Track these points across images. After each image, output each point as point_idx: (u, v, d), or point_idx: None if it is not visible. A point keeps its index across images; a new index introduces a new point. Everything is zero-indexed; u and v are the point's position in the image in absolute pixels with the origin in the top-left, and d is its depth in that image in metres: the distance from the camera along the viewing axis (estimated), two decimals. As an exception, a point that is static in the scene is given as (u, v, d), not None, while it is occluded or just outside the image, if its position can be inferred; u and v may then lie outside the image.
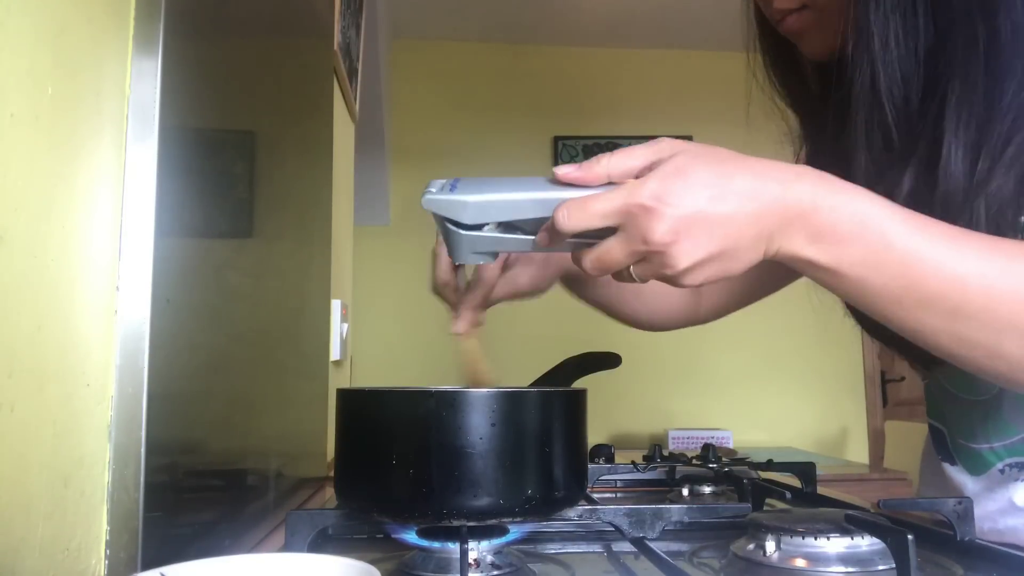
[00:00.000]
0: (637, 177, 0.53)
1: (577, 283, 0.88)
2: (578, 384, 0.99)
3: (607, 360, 1.07)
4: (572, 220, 0.53)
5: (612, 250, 0.53)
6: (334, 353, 1.32)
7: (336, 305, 1.35)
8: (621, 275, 0.56)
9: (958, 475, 0.76)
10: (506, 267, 0.78)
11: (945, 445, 0.79)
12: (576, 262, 0.57)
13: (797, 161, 0.85)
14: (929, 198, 0.61)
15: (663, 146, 0.53)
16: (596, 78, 3.54)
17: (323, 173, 1.25)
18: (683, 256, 0.51)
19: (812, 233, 0.52)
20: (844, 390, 3.47)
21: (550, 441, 0.59)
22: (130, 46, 0.54)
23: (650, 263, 0.53)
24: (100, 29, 0.51)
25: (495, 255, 0.60)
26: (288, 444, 0.94)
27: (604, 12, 3.25)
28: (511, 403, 0.58)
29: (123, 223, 0.53)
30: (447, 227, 0.56)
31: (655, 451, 1.04)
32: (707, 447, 1.05)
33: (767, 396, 3.41)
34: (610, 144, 3.45)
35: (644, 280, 0.55)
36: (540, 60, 3.53)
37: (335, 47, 1.46)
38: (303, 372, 1.05)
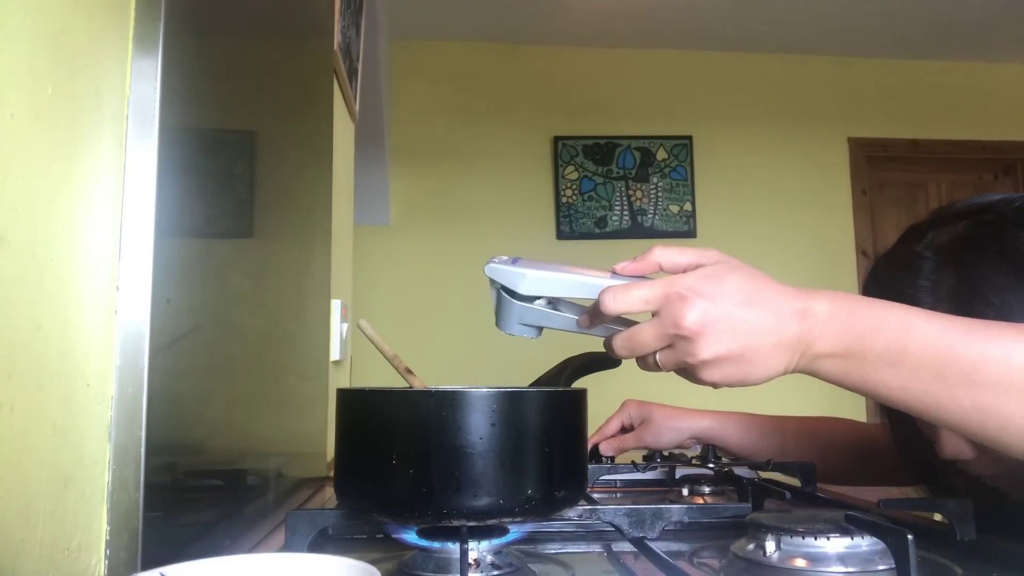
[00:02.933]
0: (684, 271, 0.59)
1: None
2: (578, 384, 0.99)
3: (607, 360, 1.07)
4: (616, 302, 0.58)
5: (643, 331, 0.59)
6: (334, 353, 1.32)
7: (336, 305, 1.35)
8: (646, 362, 0.61)
9: None
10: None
11: None
12: (607, 347, 0.62)
13: None
14: None
15: (711, 253, 0.60)
16: (596, 78, 3.53)
17: (323, 173, 1.25)
18: (706, 347, 0.56)
19: (832, 335, 0.56)
20: (844, 391, 3.47)
21: (550, 441, 0.59)
22: (130, 46, 0.54)
23: (675, 350, 0.58)
24: (100, 29, 0.51)
25: (539, 331, 0.65)
26: (288, 444, 0.94)
27: (604, 12, 3.25)
28: (511, 403, 0.58)
29: (123, 223, 0.53)
30: (502, 295, 0.63)
31: (655, 451, 1.04)
32: (707, 447, 1.05)
33: (767, 396, 3.40)
34: (610, 144, 3.45)
35: (666, 369, 0.60)
36: (540, 60, 3.53)
37: (335, 47, 1.46)
38: (303, 372, 1.05)
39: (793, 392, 3.44)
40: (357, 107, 1.83)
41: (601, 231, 3.37)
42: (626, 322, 0.62)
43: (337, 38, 1.49)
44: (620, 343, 0.61)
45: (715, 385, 0.59)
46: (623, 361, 1.08)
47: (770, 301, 0.57)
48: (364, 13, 1.99)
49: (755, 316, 0.56)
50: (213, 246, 0.69)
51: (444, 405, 0.57)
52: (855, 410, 3.50)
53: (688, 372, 0.59)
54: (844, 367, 0.57)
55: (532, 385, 0.95)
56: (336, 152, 1.38)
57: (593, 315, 0.62)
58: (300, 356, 1.02)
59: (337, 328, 1.35)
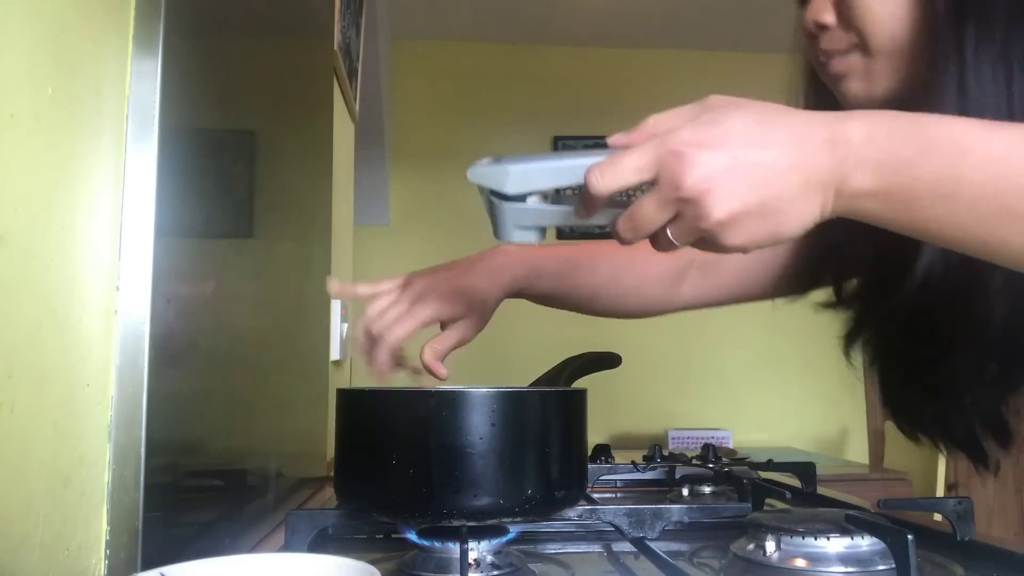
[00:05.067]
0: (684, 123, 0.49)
1: (539, 291, 0.87)
2: (578, 384, 0.99)
3: (607, 360, 1.07)
4: (605, 179, 0.49)
5: (643, 205, 0.49)
6: (334, 353, 1.32)
7: (336, 305, 1.35)
8: (659, 241, 0.51)
9: None
10: (443, 325, 0.80)
11: None
12: (614, 233, 0.53)
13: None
14: None
15: (711, 101, 0.50)
16: (596, 78, 3.53)
17: (323, 173, 1.25)
18: (718, 205, 0.46)
19: (873, 165, 0.46)
20: (844, 390, 3.46)
21: (550, 441, 0.59)
22: (130, 46, 0.54)
23: (685, 219, 0.48)
24: (100, 29, 0.51)
25: (541, 232, 0.58)
26: (288, 444, 0.94)
27: (604, 12, 3.25)
28: (511, 403, 0.58)
29: (123, 223, 0.53)
30: (492, 200, 0.56)
31: (655, 451, 1.04)
32: (707, 447, 1.05)
33: (767, 396, 3.41)
34: (610, 144, 3.45)
35: (682, 243, 0.50)
36: (540, 60, 3.53)
37: (335, 47, 1.46)
38: (303, 372, 1.05)
39: (795, 394, 3.45)
40: (357, 107, 1.83)
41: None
42: (630, 201, 0.52)
43: (337, 38, 1.49)
44: (623, 226, 0.51)
45: (743, 249, 0.49)
46: (623, 360, 1.09)
47: (788, 134, 0.47)
48: (364, 13, 1.99)
49: (771, 155, 0.46)
50: (213, 246, 0.69)
51: (444, 405, 0.57)
52: (855, 410, 3.51)
53: (708, 242, 0.49)
54: (888, 205, 0.47)
55: (532, 385, 0.95)
56: (336, 152, 1.38)
57: (588, 200, 0.52)
58: (300, 356, 1.02)
59: (337, 328, 1.35)
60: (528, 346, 2.88)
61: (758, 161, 0.46)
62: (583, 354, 1.06)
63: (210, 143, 0.68)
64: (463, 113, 3.45)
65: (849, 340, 0.73)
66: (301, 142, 1.06)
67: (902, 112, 0.48)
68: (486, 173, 0.55)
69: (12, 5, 0.42)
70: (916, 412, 0.71)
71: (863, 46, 0.63)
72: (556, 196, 0.56)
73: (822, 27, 0.65)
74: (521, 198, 0.55)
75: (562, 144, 3.46)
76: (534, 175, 0.54)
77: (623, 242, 0.53)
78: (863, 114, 0.48)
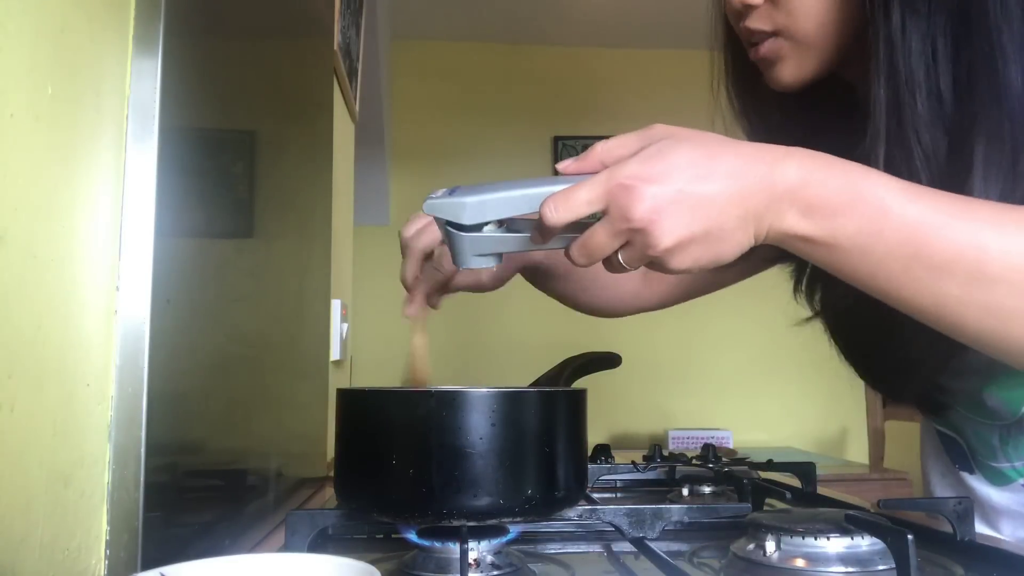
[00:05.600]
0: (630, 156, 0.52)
1: (538, 275, 0.88)
2: (578, 384, 0.99)
3: (607, 360, 1.07)
4: (559, 212, 0.52)
5: (596, 234, 0.53)
6: (334, 353, 1.32)
7: (336, 305, 1.35)
8: (612, 264, 0.55)
9: (980, 485, 0.76)
10: None
11: (964, 456, 0.78)
12: (568, 257, 0.56)
13: None
14: None
15: (655, 131, 0.53)
16: (596, 78, 3.53)
17: (323, 173, 1.25)
18: (664, 235, 0.50)
19: (803, 208, 0.50)
20: (844, 390, 3.46)
21: (550, 441, 0.59)
22: (130, 46, 0.54)
23: (634, 246, 0.52)
24: (100, 29, 0.51)
25: (498, 257, 0.60)
26: (288, 444, 0.94)
27: (604, 12, 3.25)
28: (511, 403, 0.58)
29: (123, 223, 0.53)
30: (448, 231, 0.57)
31: (655, 451, 1.04)
32: (707, 447, 1.05)
33: (767, 396, 3.41)
34: (610, 144, 3.45)
35: (633, 267, 0.54)
36: (540, 60, 3.53)
37: (335, 47, 1.46)
38: (303, 372, 1.05)
39: (795, 394, 3.45)
40: (357, 107, 1.83)
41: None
42: (582, 225, 0.54)
43: (337, 38, 1.49)
44: (576, 252, 0.54)
45: (689, 271, 0.53)
46: (623, 360, 1.09)
47: (729, 168, 0.50)
48: (364, 13, 1.99)
49: (714, 188, 0.50)
50: (213, 246, 0.69)
51: (444, 405, 0.57)
52: (855, 410, 3.51)
53: (657, 265, 0.53)
54: (811, 247, 0.52)
55: (532, 385, 0.95)
56: (336, 152, 1.38)
57: (542, 230, 0.55)
58: (300, 356, 1.02)
59: (337, 328, 1.35)
60: (528, 346, 2.88)
61: (702, 193, 0.50)
62: (583, 354, 1.06)
63: (210, 143, 0.68)
64: (463, 113, 3.45)
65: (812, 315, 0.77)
66: (301, 142, 1.06)
67: (836, 158, 0.51)
68: (442, 205, 0.57)
69: (12, 5, 0.42)
70: (871, 367, 0.76)
71: (789, 29, 0.64)
72: (511, 224, 0.58)
73: (749, 6, 0.65)
74: (477, 228, 0.57)
75: (562, 144, 3.46)
76: (489, 206, 0.56)
77: (577, 265, 0.56)
78: (801, 156, 0.51)
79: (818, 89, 0.68)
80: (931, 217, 0.49)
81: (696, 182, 0.50)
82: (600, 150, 0.54)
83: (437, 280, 0.75)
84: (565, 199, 0.52)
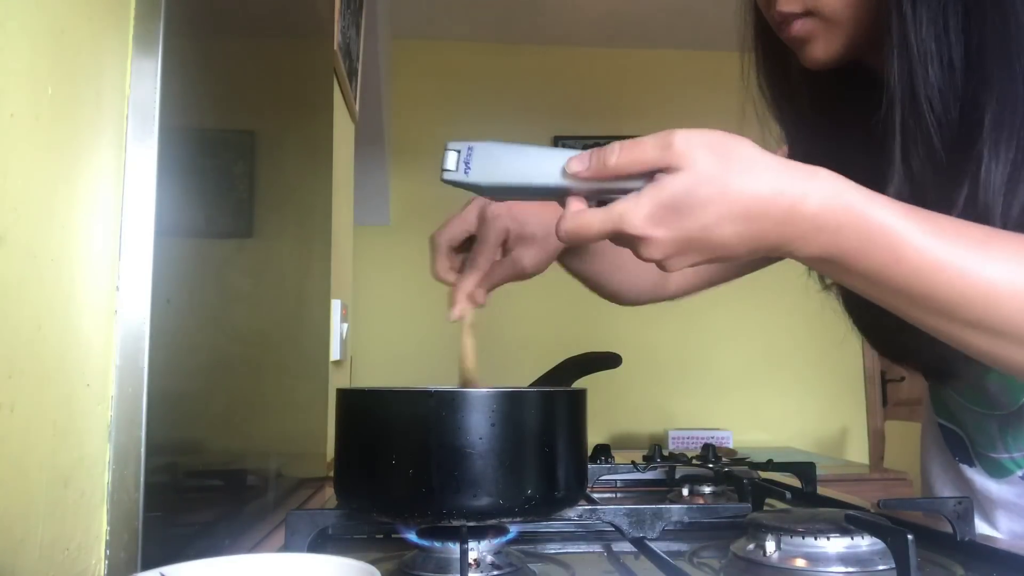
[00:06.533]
0: (646, 173, 0.53)
1: (568, 255, 0.87)
2: (578, 384, 0.99)
3: (607, 360, 1.07)
4: (569, 238, 0.55)
5: (601, 245, 0.55)
6: (334, 353, 1.32)
7: (336, 305, 1.35)
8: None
9: (979, 477, 0.77)
10: (506, 249, 0.76)
11: (964, 448, 0.79)
12: (556, 229, 0.56)
13: None
14: (972, 213, 0.59)
15: (673, 150, 0.52)
16: (596, 78, 3.53)
17: (323, 173, 1.25)
18: (671, 266, 0.53)
19: (817, 247, 0.52)
20: (844, 390, 3.47)
21: (550, 441, 0.59)
22: (130, 46, 0.54)
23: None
24: (100, 29, 0.51)
25: None
26: (288, 444, 0.94)
27: (604, 12, 3.25)
28: (511, 403, 0.58)
29: (123, 223, 0.53)
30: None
31: (655, 451, 1.04)
32: (707, 447, 1.05)
33: (767, 396, 3.41)
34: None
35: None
36: (540, 60, 3.53)
37: (335, 47, 1.46)
38: (303, 372, 1.05)
39: (795, 394, 3.45)
40: (357, 107, 1.83)
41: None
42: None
43: (337, 38, 1.49)
44: (563, 233, 0.55)
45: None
46: (623, 360, 1.09)
47: (745, 212, 0.51)
48: (364, 13, 1.99)
49: (725, 233, 0.51)
50: (213, 246, 0.69)
51: (444, 405, 0.57)
52: (855, 410, 3.52)
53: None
54: (822, 268, 0.55)
55: (532, 385, 0.95)
56: (336, 152, 1.38)
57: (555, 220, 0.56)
58: (300, 356, 1.03)
59: (337, 328, 1.35)
60: (528, 346, 2.88)
61: (712, 240, 0.52)
62: (583, 354, 1.06)
63: (210, 143, 0.68)
64: (463, 113, 3.45)
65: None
66: (301, 142, 1.06)
67: (859, 197, 0.52)
68: (459, 182, 0.58)
69: (12, 5, 0.42)
70: (882, 338, 0.77)
71: (818, 7, 0.66)
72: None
73: None
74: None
75: (562, 144, 3.46)
76: (506, 191, 0.58)
77: (560, 238, 0.56)
78: (819, 197, 0.51)
79: (846, 77, 0.71)
80: (947, 257, 0.51)
81: (707, 231, 0.51)
82: (614, 166, 0.53)
83: (475, 279, 0.73)
84: (577, 229, 0.54)
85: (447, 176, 0.58)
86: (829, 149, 0.74)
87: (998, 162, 0.57)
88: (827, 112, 0.75)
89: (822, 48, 0.68)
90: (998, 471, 0.75)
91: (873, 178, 0.65)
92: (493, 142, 0.57)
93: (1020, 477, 0.73)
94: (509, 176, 0.56)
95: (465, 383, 0.71)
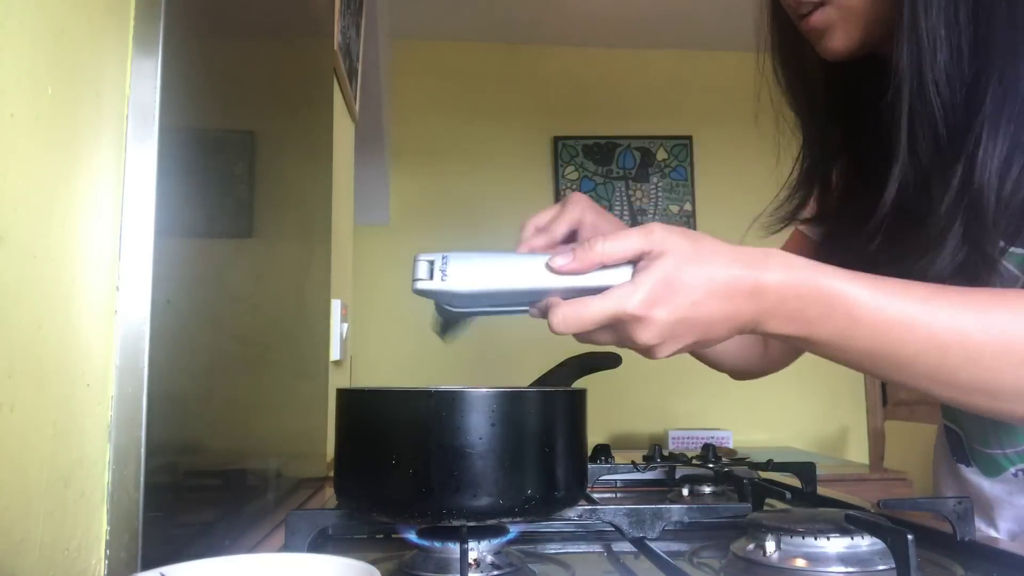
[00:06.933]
0: (630, 261, 0.56)
1: None
2: (578, 384, 0.99)
3: (607, 360, 1.07)
4: (568, 326, 0.56)
5: (598, 336, 0.57)
6: (334, 353, 1.32)
7: (336, 305, 1.35)
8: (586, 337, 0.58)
9: (974, 477, 0.77)
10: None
11: (961, 447, 0.79)
12: (549, 324, 0.57)
13: (793, 172, 0.84)
14: (967, 194, 0.61)
15: (655, 238, 0.55)
16: (596, 78, 3.53)
17: (323, 173, 1.25)
18: (663, 351, 0.57)
19: (783, 319, 0.56)
20: (844, 390, 3.47)
21: (550, 441, 0.59)
22: (130, 46, 0.54)
23: (624, 343, 0.57)
24: (100, 29, 0.51)
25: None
26: (288, 444, 0.94)
27: (604, 12, 3.25)
28: (511, 403, 0.58)
29: (123, 223, 0.53)
30: (439, 306, 0.59)
31: (655, 451, 1.04)
32: (707, 447, 1.05)
33: (767, 396, 3.41)
34: (610, 144, 3.45)
35: (607, 344, 0.58)
36: (540, 60, 3.53)
37: (335, 47, 1.46)
38: (303, 372, 1.05)
39: (795, 394, 3.45)
40: (357, 107, 1.83)
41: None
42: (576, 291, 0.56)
43: (337, 38, 1.49)
44: (560, 322, 0.56)
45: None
46: (623, 360, 1.09)
47: (724, 288, 0.55)
48: (364, 13, 1.99)
49: (710, 309, 0.55)
50: (213, 246, 0.69)
51: (444, 405, 0.57)
52: (855, 410, 3.51)
53: (641, 353, 0.58)
54: (794, 343, 0.58)
55: (532, 385, 0.95)
56: (336, 152, 1.38)
57: (548, 320, 0.57)
58: (300, 356, 1.03)
59: (337, 328, 1.35)
60: (528, 346, 2.88)
61: (700, 316, 0.55)
62: (583, 354, 1.06)
63: (210, 143, 0.68)
64: (463, 113, 3.45)
65: None
66: (301, 142, 1.06)
67: (809, 270, 0.56)
68: (433, 292, 0.57)
69: (12, 5, 0.42)
70: None
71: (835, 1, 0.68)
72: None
73: None
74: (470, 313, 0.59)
75: (562, 144, 3.46)
76: (484, 298, 0.58)
77: (552, 328, 0.57)
78: (777, 266, 0.56)
79: (860, 68, 0.72)
80: (898, 317, 0.55)
81: (697, 306, 0.55)
82: (599, 252, 0.56)
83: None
84: (576, 316, 0.55)
85: (420, 286, 0.57)
86: (843, 138, 0.76)
87: (995, 143, 0.59)
88: (841, 102, 0.77)
89: (840, 38, 0.69)
90: (992, 468, 0.75)
91: (885, 167, 0.66)
92: (467, 251, 0.58)
93: (1012, 474, 0.73)
94: (488, 281, 0.57)
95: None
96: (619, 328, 0.56)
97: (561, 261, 0.56)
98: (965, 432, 0.79)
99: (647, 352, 0.57)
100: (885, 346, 0.56)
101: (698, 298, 0.54)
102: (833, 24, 0.68)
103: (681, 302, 0.54)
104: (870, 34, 0.68)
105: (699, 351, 0.59)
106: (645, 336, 0.55)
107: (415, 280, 0.57)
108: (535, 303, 0.59)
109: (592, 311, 0.55)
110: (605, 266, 0.56)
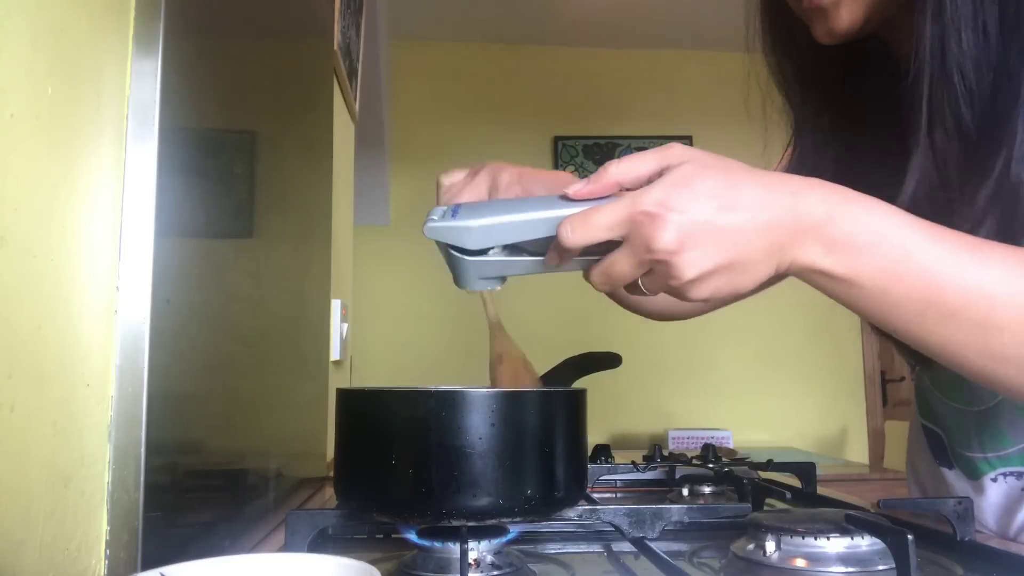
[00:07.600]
0: (647, 183, 0.51)
1: None
2: (578, 384, 0.99)
3: (607, 360, 1.07)
4: (576, 234, 0.51)
5: (618, 262, 0.52)
6: (334, 353, 1.32)
7: (336, 305, 1.35)
8: (633, 288, 0.54)
9: (959, 483, 0.76)
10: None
11: (943, 449, 0.78)
12: (587, 279, 0.55)
13: (784, 159, 0.82)
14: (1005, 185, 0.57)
15: (673, 152, 0.51)
16: (596, 78, 3.54)
17: (323, 173, 1.25)
18: (689, 266, 0.49)
19: (828, 244, 0.50)
20: (844, 390, 3.47)
21: (550, 441, 0.59)
22: (130, 46, 0.54)
23: (656, 274, 0.51)
24: (100, 29, 0.51)
25: (503, 279, 0.58)
26: (288, 444, 0.94)
27: (604, 12, 3.25)
28: (511, 403, 0.58)
29: (123, 223, 0.53)
30: (451, 254, 0.56)
31: (655, 451, 1.04)
32: (707, 447, 1.05)
33: (767, 396, 3.41)
34: (610, 144, 3.45)
35: (654, 293, 0.53)
36: (540, 60, 3.53)
37: (335, 47, 1.46)
38: (303, 372, 1.05)
39: (795, 394, 3.45)
40: (357, 107, 1.83)
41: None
42: (602, 247, 0.52)
43: (337, 38, 1.49)
44: (598, 278, 0.53)
45: (706, 301, 0.53)
46: (623, 360, 1.09)
47: (755, 198, 0.49)
48: (364, 13, 1.99)
49: (740, 218, 0.49)
50: (213, 246, 0.69)
51: (444, 405, 0.57)
52: (855, 410, 3.52)
53: (676, 293, 0.52)
54: (831, 283, 0.52)
55: (532, 385, 0.95)
56: (336, 152, 1.38)
57: (559, 251, 0.53)
58: (300, 356, 1.03)
59: (337, 328, 1.35)
60: (528, 346, 2.88)
61: (728, 224, 0.49)
62: (583, 354, 1.06)
63: (210, 143, 0.68)
64: (463, 113, 3.45)
65: None
66: (301, 142, 1.06)
67: (857, 194, 0.51)
68: (445, 230, 0.54)
69: (12, 5, 0.42)
70: None
71: None
72: (516, 249, 0.56)
73: None
74: (483, 252, 0.55)
75: (562, 144, 3.46)
76: (496, 231, 0.54)
77: (598, 289, 0.55)
78: (824, 190, 0.51)
79: (853, 50, 0.69)
80: (949, 263, 0.50)
81: (722, 212, 0.49)
82: (614, 171, 0.52)
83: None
84: (584, 222, 0.51)
85: (431, 225, 0.55)
86: (835, 123, 0.73)
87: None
88: (834, 86, 0.73)
89: (846, 16, 0.64)
90: (972, 472, 0.74)
91: (880, 153, 0.64)
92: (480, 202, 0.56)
93: (991, 479, 0.72)
94: (499, 214, 0.54)
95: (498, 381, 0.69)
96: (634, 238, 0.50)
97: (576, 186, 0.52)
98: (948, 435, 0.77)
99: (674, 273, 0.50)
100: (934, 292, 0.50)
101: (723, 202, 0.49)
102: (832, 4, 0.64)
103: (702, 205, 0.48)
104: (875, 12, 0.64)
105: (709, 286, 0.50)
106: (663, 239, 0.48)
107: (427, 221, 0.55)
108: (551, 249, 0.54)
109: (600, 214, 0.50)
110: (623, 187, 0.52)
